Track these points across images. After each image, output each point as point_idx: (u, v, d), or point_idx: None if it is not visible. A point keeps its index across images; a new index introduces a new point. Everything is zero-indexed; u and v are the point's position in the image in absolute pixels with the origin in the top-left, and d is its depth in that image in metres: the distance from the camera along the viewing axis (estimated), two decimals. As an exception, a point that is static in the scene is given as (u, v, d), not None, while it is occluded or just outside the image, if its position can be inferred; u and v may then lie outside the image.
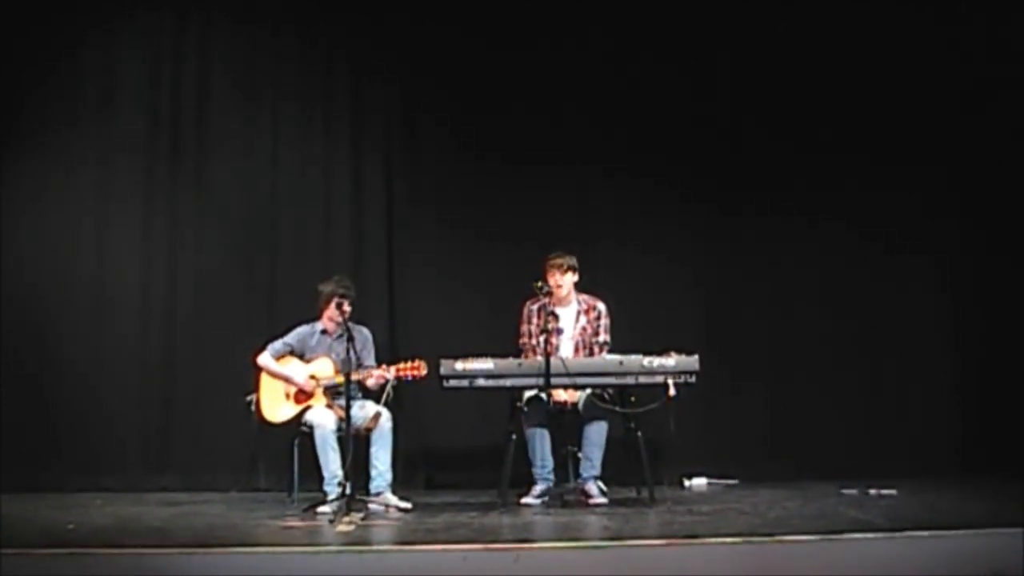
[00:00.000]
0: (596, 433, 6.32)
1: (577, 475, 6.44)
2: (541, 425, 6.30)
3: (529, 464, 6.37)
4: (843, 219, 7.90)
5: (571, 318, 6.62)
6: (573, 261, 6.56)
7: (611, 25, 7.86)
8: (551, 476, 6.36)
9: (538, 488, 6.34)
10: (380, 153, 7.90)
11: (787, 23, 7.83)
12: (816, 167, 7.88)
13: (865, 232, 7.91)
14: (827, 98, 7.87)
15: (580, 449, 6.39)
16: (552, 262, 6.52)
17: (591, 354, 6.51)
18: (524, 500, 6.29)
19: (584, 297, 6.66)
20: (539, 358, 6.07)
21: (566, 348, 6.54)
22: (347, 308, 6.41)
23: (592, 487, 6.33)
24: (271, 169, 7.86)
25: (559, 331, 6.56)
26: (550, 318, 6.41)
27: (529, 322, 6.59)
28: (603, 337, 6.59)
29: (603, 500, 6.28)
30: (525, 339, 6.59)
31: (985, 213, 7.89)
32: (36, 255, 7.69)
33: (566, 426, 6.42)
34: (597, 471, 6.36)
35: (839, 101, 7.88)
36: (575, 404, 6.45)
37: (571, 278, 6.56)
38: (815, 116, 7.87)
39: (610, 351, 6.48)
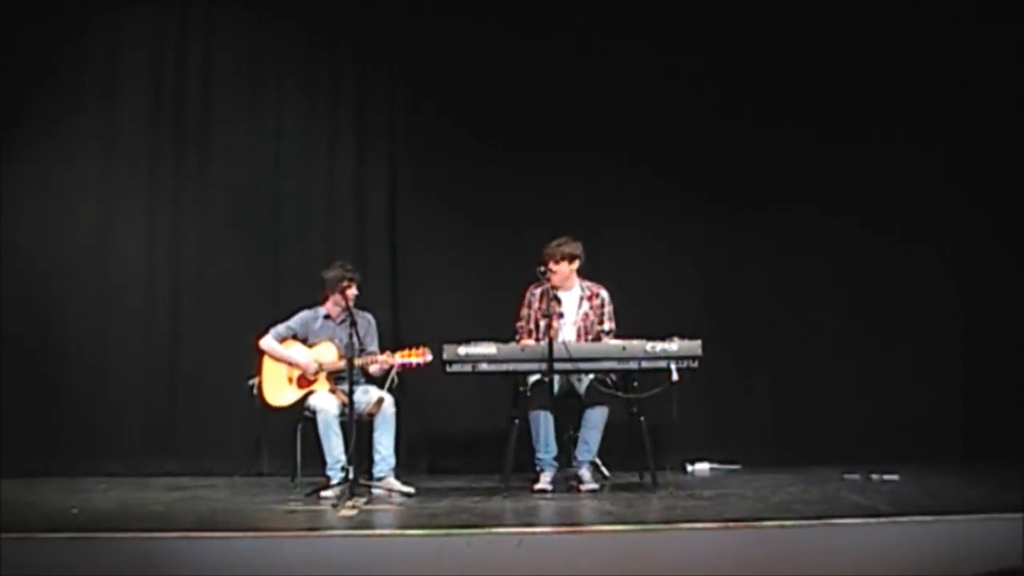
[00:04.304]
0: (596, 417, 6.31)
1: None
2: (545, 408, 6.29)
3: (532, 449, 6.37)
4: (847, 206, 7.86)
5: (574, 303, 6.60)
6: (573, 249, 6.49)
7: (614, 12, 7.82)
8: (555, 463, 6.35)
9: (546, 476, 6.32)
10: (384, 139, 7.87)
11: (792, 10, 7.79)
12: (820, 154, 7.85)
13: (868, 219, 7.87)
14: (831, 85, 7.82)
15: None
16: (548, 250, 6.46)
17: (595, 340, 6.50)
18: (537, 487, 6.27)
19: (587, 284, 6.64)
20: (543, 342, 6.07)
21: (568, 333, 6.52)
22: (354, 292, 6.43)
23: (585, 472, 6.33)
24: (275, 155, 7.83)
25: (560, 315, 6.55)
26: (553, 302, 6.42)
27: (529, 306, 6.58)
28: (608, 325, 6.56)
29: (594, 486, 6.28)
30: (523, 322, 6.57)
31: (990, 200, 7.85)
32: (40, 240, 7.68)
33: (568, 411, 6.43)
34: (593, 454, 6.37)
35: (843, 88, 7.82)
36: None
37: (568, 267, 6.50)
38: (820, 103, 7.82)
39: (615, 337, 6.47)
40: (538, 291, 6.53)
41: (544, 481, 6.30)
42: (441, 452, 7.61)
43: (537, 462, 6.35)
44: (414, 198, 7.83)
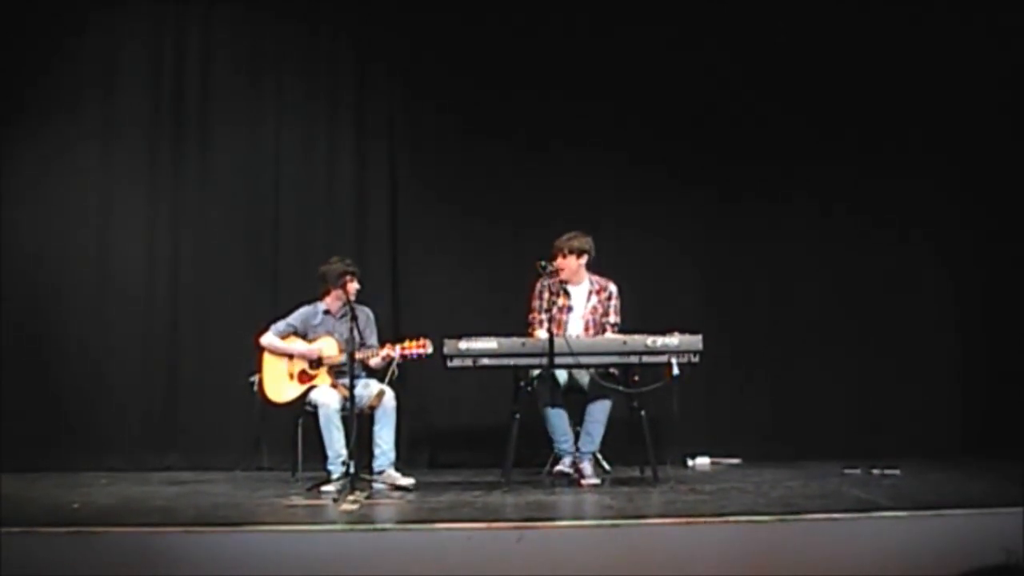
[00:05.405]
0: (599, 410, 6.33)
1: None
2: (555, 405, 6.33)
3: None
4: (845, 203, 7.88)
5: (582, 297, 6.62)
6: (582, 244, 6.52)
7: (613, 8, 7.81)
8: (572, 447, 6.38)
9: (566, 460, 6.36)
10: (383, 135, 7.85)
11: (793, 10, 7.77)
12: (819, 151, 7.86)
13: (867, 215, 7.88)
14: (833, 85, 7.81)
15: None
16: (557, 243, 6.51)
17: (601, 334, 6.51)
18: (557, 469, 6.36)
19: (596, 278, 6.65)
20: (543, 337, 6.08)
21: (575, 326, 6.54)
22: (356, 286, 6.44)
23: (587, 465, 6.34)
24: (274, 150, 7.82)
25: (569, 309, 6.57)
26: (561, 295, 6.44)
27: (540, 298, 6.60)
28: (613, 318, 6.58)
29: (595, 480, 6.29)
30: (534, 314, 6.59)
31: (987, 196, 7.85)
32: (39, 237, 7.67)
33: (572, 405, 6.44)
34: (596, 446, 6.40)
35: (845, 88, 7.82)
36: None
37: (576, 261, 6.53)
38: (821, 104, 7.82)
39: (618, 332, 6.47)
40: (547, 282, 6.55)
41: (564, 464, 6.35)
42: (442, 446, 7.61)
43: (557, 450, 6.40)
44: (414, 196, 7.82)
